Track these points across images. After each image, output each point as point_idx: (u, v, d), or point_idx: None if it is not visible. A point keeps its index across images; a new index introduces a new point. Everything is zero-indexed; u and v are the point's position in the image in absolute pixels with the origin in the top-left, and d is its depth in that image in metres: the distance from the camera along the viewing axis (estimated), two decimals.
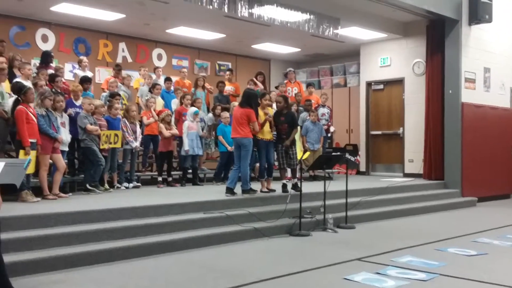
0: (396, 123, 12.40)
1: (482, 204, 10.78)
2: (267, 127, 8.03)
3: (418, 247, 6.23)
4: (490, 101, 11.52)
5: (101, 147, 7.74)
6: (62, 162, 7.07)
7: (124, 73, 10.39)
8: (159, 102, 9.70)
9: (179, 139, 9.37)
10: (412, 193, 9.93)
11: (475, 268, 5.26)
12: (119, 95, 8.99)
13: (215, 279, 4.76)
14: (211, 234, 6.21)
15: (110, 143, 7.92)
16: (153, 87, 9.76)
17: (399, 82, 12.27)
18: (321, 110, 11.07)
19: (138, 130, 8.66)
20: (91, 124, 7.61)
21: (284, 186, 7.99)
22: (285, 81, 12.12)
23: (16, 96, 6.65)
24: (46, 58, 9.04)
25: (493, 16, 11.01)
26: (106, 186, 8.07)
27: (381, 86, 12.71)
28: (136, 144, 8.52)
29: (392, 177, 11.64)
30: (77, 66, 10.31)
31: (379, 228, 7.62)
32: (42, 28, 10.79)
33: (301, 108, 10.97)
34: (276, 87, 12.29)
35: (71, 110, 7.87)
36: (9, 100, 6.79)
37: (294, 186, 7.83)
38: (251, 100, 7.61)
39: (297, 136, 10.16)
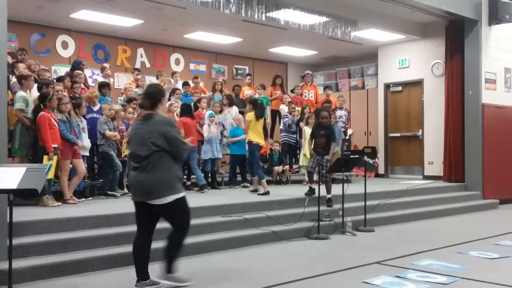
0: (415, 125, 12.28)
1: (504, 206, 10.60)
2: (259, 130, 8.30)
3: (439, 250, 6.16)
4: (511, 102, 11.34)
5: (123, 155, 7.82)
6: (82, 167, 7.15)
7: (134, 73, 10.45)
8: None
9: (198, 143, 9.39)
10: (432, 196, 9.82)
11: (497, 271, 5.19)
12: (135, 99, 9.07)
13: (234, 283, 4.76)
14: (230, 238, 6.23)
15: None
16: (173, 92, 9.82)
17: (418, 83, 12.15)
18: (338, 113, 11.02)
19: None
20: (110, 130, 7.68)
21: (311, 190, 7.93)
22: (301, 84, 12.11)
23: (38, 103, 6.75)
24: (76, 64, 9.21)
25: None
26: (125, 190, 8.14)
27: (400, 88, 12.61)
28: None
29: (411, 179, 11.52)
30: (96, 72, 10.43)
31: (399, 231, 7.55)
32: (62, 34, 10.95)
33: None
34: (292, 91, 12.29)
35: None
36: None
37: (311, 191, 7.84)
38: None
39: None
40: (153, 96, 4.50)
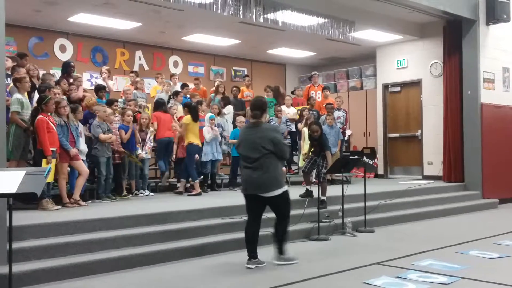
0: (414, 125, 12.28)
1: (504, 206, 10.61)
2: (196, 132, 8.62)
3: (439, 250, 6.15)
4: (509, 101, 11.35)
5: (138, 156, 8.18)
6: (84, 167, 7.12)
7: (133, 75, 10.46)
8: (180, 110, 9.75)
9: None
10: (431, 196, 9.81)
11: (497, 270, 5.19)
12: (134, 100, 9.08)
13: (235, 285, 4.76)
14: (230, 240, 6.22)
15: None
16: (176, 95, 9.80)
17: (417, 84, 12.16)
18: (336, 113, 11.02)
19: (149, 139, 8.62)
20: (104, 132, 7.65)
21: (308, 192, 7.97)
22: (309, 85, 12.15)
23: (35, 106, 6.74)
24: (67, 68, 9.15)
25: (511, 15, 10.88)
26: (125, 192, 8.13)
27: (398, 88, 12.61)
28: (140, 152, 8.46)
29: (411, 179, 11.51)
30: (95, 75, 10.42)
31: (399, 232, 7.55)
32: (60, 38, 10.95)
33: (314, 112, 10.96)
34: (293, 92, 12.31)
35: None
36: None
37: (307, 193, 7.87)
38: None
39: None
40: (262, 108, 5.48)
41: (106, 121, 7.80)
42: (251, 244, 5.39)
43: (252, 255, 5.37)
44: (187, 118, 8.69)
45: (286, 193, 5.38)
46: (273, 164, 5.28)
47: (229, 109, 10.25)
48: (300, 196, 7.84)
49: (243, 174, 5.48)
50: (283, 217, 5.46)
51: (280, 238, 5.47)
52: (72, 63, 9.38)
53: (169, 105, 9.41)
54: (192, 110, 8.74)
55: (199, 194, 8.45)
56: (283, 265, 5.40)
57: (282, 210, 5.43)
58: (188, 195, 8.46)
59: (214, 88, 11.08)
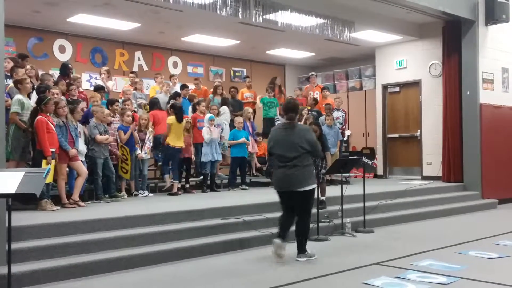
0: (413, 126, 12.29)
1: (503, 206, 10.61)
2: (179, 133, 8.68)
3: (438, 251, 6.15)
4: (509, 102, 11.36)
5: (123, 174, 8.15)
6: (83, 168, 7.12)
7: (131, 76, 10.49)
8: None
9: (196, 145, 9.39)
10: (431, 196, 9.81)
11: (497, 271, 5.19)
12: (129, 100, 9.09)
13: (234, 285, 4.75)
14: (229, 240, 6.22)
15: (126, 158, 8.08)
16: (178, 96, 9.81)
17: (416, 84, 12.17)
18: (335, 114, 11.02)
19: (149, 139, 8.63)
20: (101, 133, 7.62)
21: None
22: (306, 86, 12.14)
23: (35, 106, 6.74)
24: (65, 69, 9.15)
25: (511, 16, 10.88)
26: (124, 193, 8.12)
27: (398, 89, 12.62)
28: (140, 153, 8.44)
29: (410, 180, 11.52)
30: (94, 75, 10.41)
31: (398, 232, 7.55)
32: (60, 39, 10.94)
33: (313, 112, 10.97)
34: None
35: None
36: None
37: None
38: None
39: None
40: (295, 109, 5.88)
41: (104, 122, 7.80)
42: (283, 233, 5.74)
43: (282, 236, 5.75)
44: (171, 118, 8.77)
45: (313, 190, 5.75)
46: (307, 162, 5.67)
47: (224, 110, 10.22)
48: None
49: (277, 172, 5.78)
50: (305, 213, 5.75)
51: (301, 235, 5.77)
52: (70, 65, 9.39)
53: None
54: (177, 111, 8.85)
55: (175, 194, 8.62)
56: (304, 261, 5.65)
57: (305, 206, 5.73)
58: (168, 194, 8.66)
59: (212, 89, 11.06)
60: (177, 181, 8.80)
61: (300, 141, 5.63)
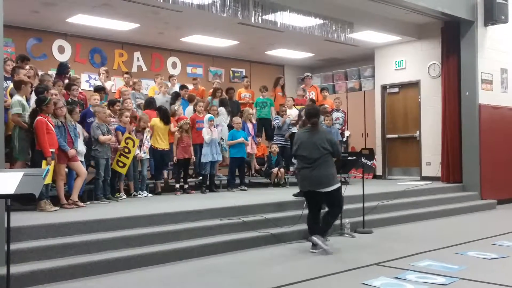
0: (412, 126, 12.30)
1: (502, 206, 10.61)
2: (164, 134, 8.78)
3: (437, 251, 6.16)
4: (508, 102, 11.38)
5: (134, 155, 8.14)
6: (82, 168, 7.11)
7: (127, 77, 10.44)
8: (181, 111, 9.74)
9: (194, 146, 9.38)
10: (430, 197, 9.82)
11: (496, 271, 5.19)
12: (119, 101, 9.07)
13: (233, 286, 4.75)
14: (228, 241, 6.22)
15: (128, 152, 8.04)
16: (178, 96, 9.80)
17: (415, 84, 12.17)
18: (335, 115, 11.02)
19: (146, 139, 8.64)
20: (103, 134, 7.65)
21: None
22: (302, 86, 12.11)
23: (34, 107, 6.73)
24: (62, 69, 9.14)
25: (510, 16, 10.90)
26: (122, 194, 8.12)
27: (397, 89, 12.63)
28: (139, 153, 8.42)
29: (409, 180, 11.53)
30: (93, 76, 10.41)
31: (397, 233, 7.55)
32: (59, 39, 10.95)
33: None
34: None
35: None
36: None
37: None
38: None
39: None
40: (318, 114, 6.46)
41: (105, 122, 7.80)
42: (312, 232, 6.17)
43: (313, 232, 6.17)
44: (154, 120, 8.81)
45: (340, 188, 6.22)
46: (329, 162, 6.12)
47: (221, 111, 10.15)
48: (294, 195, 7.86)
49: (302, 173, 6.19)
50: (338, 208, 6.32)
51: (327, 224, 6.25)
52: (68, 65, 9.38)
53: (174, 107, 9.37)
54: (162, 113, 8.91)
55: (158, 193, 8.87)
56: (320, 243, 5.99)
57: (337, 203, 6.24)
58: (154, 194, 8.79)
59: (211, 91, 11.02)
60: (161, 181, 9.02)
61: (322, 142, 6.07)
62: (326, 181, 6.02)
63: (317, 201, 6.24)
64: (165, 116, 8.91)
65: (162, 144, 8.80)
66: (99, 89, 9.07)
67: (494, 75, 11.12)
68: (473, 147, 10.64)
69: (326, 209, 6.41)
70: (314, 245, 6.02)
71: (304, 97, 11.55)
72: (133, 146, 8.11)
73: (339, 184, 6.15)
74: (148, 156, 8.72)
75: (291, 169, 10.95)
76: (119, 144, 8.03)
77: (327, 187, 6.02)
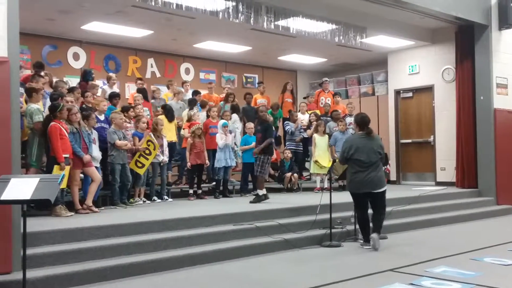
0: (426, 131, 12.21)
1: None
2: (170, 131, 9.00)
3: (453, 257, 6.09)
4: None
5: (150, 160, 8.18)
6: (97, 174, 7.16)
7: (153, 86, 10.58)
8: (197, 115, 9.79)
9: (207, 151, 9.39)
10: (445, 202, 9.73)
11: None
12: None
13: None
14: (242, 246, 6.22)
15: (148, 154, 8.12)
16: (195, 103, 9.85)
17: (429, 89, 12.10)
18: (348, 120, 10.99)
19: (165, 143, 8.71)
20: (119, 139, 7.71)
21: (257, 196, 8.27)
22: (318, 91, 12.13)
23: (47, 114, 6.80)
24: (86, 75, 9.26)
25: None
26: (137, 199, 8.16)
27: (410, 94, 12.56)
28: (163, 158, 8.55)
29: (423, 186, 11.44)
30: (106, 82, 10.47)
31: (412, 238, 7.49)
32: (74, 46, 11.07)
33: (328, 118, 10.97)
34: (305, 98, 12.29)
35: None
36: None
37: (257, 198, 8.16)
38: None
39: (326, 146, 10.18)
40: (369, 121, 6.98)
41: (122, 128, 7.87)
42: (364, 230, 6.68)
43: (365, 238, 6.65)
44: (161, 117, 8.96)
45: (386, 189, 6.74)
46: (380, 166, 6.70)
47: (233, 117, 10.17)
48: (251, 202, 8.04)
49: (356, 176, 6.59)
50: (384, 208, 6.78)
51: (378, 224, 6.64)
52: (92, 71, 9.48)
53: (192, 112, 9.43)
54: (167, 111, 9.18)
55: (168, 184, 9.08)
56: (376, 238, 6.46)
57: (383, 203, 6.76)
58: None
59: (223, 96, 11.06)
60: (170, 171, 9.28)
61: (378, 147, 6.70)
62: (380, 183, 6.57)
63: (366, 202, 6.70)
64: (170, 113, 9.18)
65: (169, 135, 8.98)
66: (114, 96, 9.13)
67: (509, 79, 11.00)
68: (488, 152, 10.52)
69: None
70: (368, 242, 6.54)
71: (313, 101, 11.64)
72: (154, 149, 8.18)
73: (386, 186, 6.75)
74: (167, 160, 8.80)
75: (305, 174, 10.94)
76: (137, 149, 8.10)
77: (380, 188, 6.57)
